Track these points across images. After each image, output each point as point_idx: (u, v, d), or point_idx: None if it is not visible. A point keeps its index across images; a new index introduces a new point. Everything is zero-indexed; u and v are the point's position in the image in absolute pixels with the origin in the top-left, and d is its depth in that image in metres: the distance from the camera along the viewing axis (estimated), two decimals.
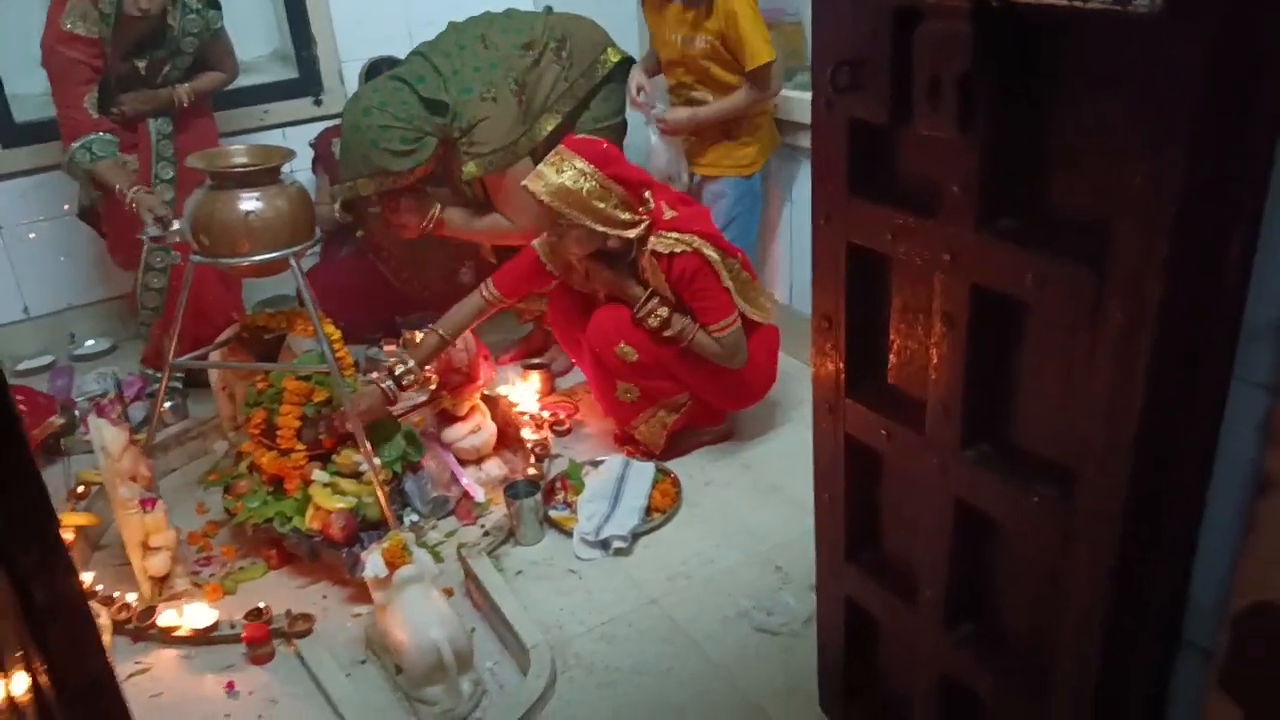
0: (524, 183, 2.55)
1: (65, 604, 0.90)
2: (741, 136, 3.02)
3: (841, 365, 1.55)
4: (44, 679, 0.87)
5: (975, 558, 1.43)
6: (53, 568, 0.89)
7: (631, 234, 2.54)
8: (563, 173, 2.47)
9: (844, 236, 1.46)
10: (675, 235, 2.53)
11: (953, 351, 1.33)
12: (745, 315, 2.62)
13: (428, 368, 2.71)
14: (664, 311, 2.58)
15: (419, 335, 2.82)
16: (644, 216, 2.56)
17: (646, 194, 2.58)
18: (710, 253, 2.53)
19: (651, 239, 2.55)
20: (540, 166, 2.54)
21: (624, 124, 3.19)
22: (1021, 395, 1.31)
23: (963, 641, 1.46)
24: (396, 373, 2.57)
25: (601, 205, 2.48)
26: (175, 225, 2.54)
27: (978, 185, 1.22)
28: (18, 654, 0.78)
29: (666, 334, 2.60)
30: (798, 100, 3.03)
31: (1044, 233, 1.18)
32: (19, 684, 0.74)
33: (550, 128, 3.00)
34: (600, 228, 2.51)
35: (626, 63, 3.12)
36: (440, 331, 2.69)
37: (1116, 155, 1.03)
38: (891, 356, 1.52)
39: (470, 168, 2.93)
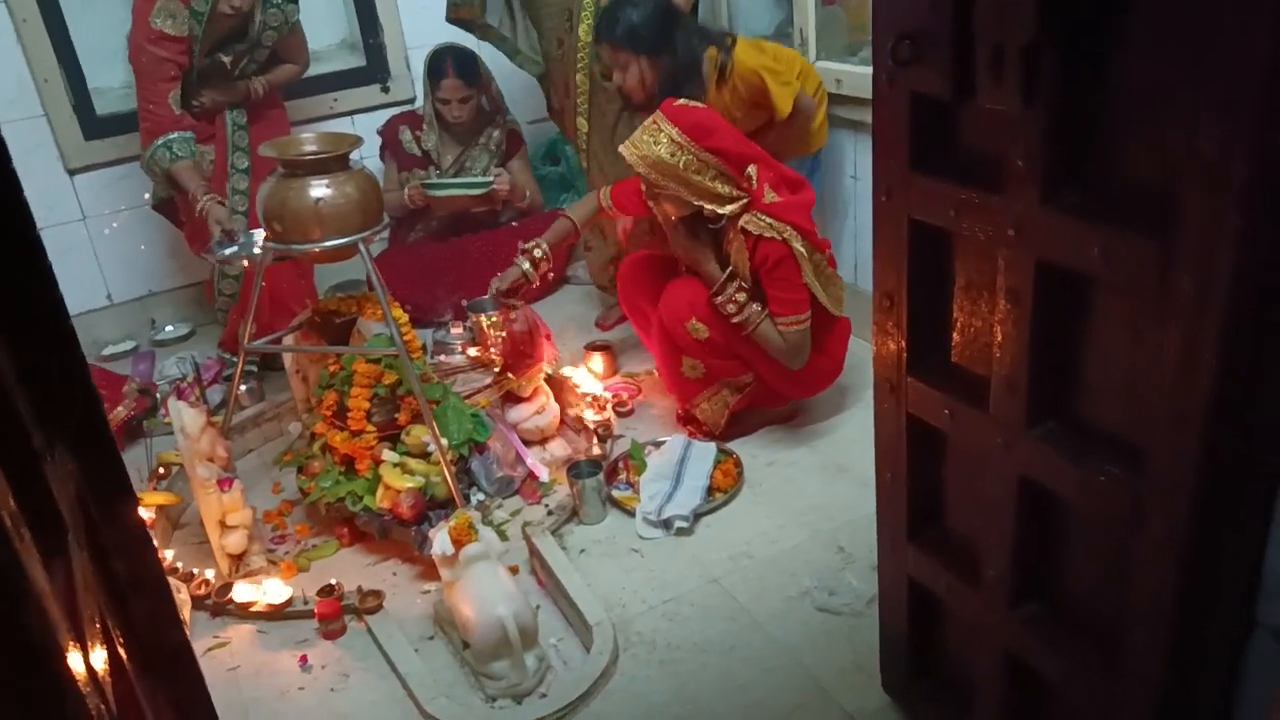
0: (620, 148, 2.57)
1: (145, 577, 0.94)
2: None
3: (903, 344, 1.53)
4: (123, 651, 0.91)
5: (1040, 536, 1.41)
6: (133, 542, 0.93)
7: (727, 210, 2.52)
8: (659, 143, 2.47)
9: (906, 213, 1.44)
10: (770, 220, 2.49)
11: (1017, 328, 1.31)
12: (822, 305, 2.59)
13: (493, 351, 2.75)
14: (741, 297, 2.56)
15: (484, 319, 2.87)
16: (744, 193, 2.53)
17: (750, 169, 2.53)
18: (799, 247, 2.49)
19: (745, 215, 2.52)
20: (636, 133, 2.54)
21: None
22: (1088, 371, 1.28)
23: (1028, 621, 1.44)
24: (535, 255, 2.86)
25: (698, 178, 2.47)
26: (241, 240, 2.62)
27: (1042, 158, 1.19)
28: (97, 626, 0.82)
29: (735, 319, 2.59)
30: (861, 75, 2.99)
31: (1110, 205, 1.15)
32: (99, 656, 0.78)
33: None
34: (695, 200, 2.51)
35: None
36: (570, 216, 2.96)
37: (1184, 121, 1.01)
38: (954, 334, 1.50)
39: None
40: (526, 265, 2.84)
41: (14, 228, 0.79)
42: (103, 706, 0.70)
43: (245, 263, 2.72)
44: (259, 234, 2.58)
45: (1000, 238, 1.29)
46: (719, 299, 2.57)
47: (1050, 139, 1.18)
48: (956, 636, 1.70)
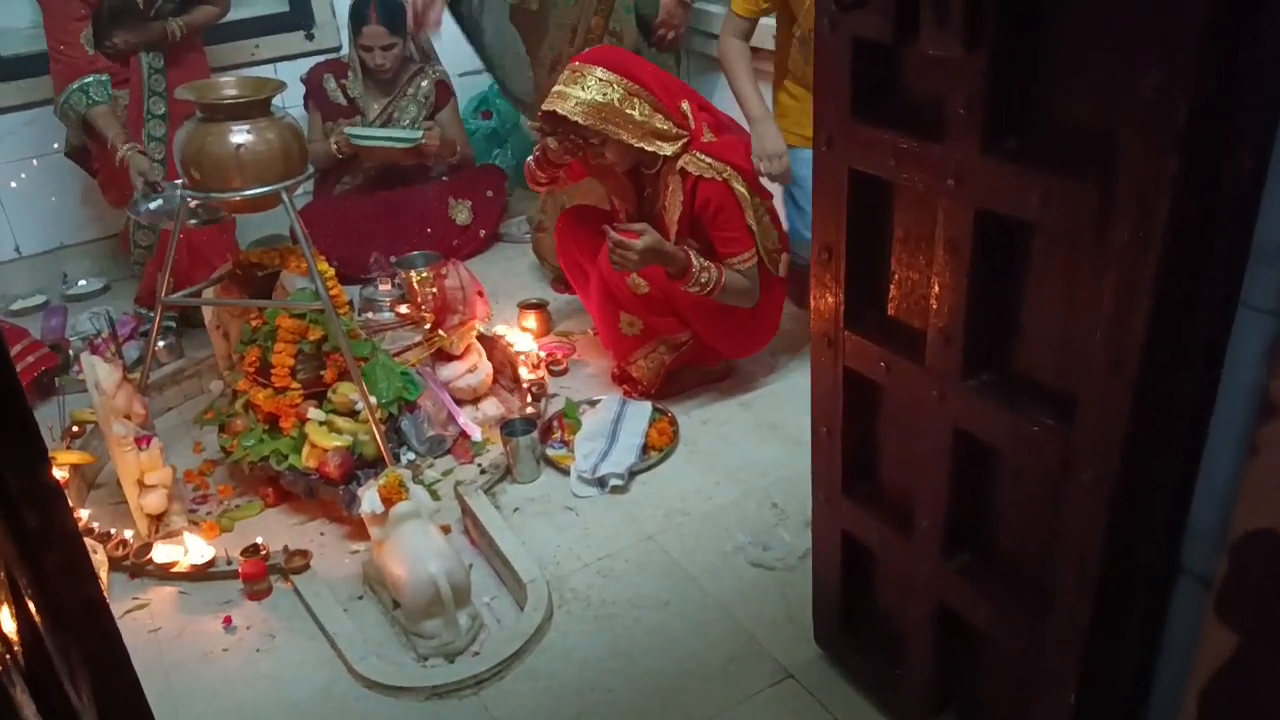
0: (544, 107, 2.46)
1: (57, 530, 0.89)
2: None
3: (841, 297, 1.53)
4: (33, 606, 0.86)
5: (974, 487, 1.42)
6: (43, 492, 0.88)
7: (668, 149, 2.45)
8: (587, 87, 2.40)
9: (846, 163, 1.43)
10: (710, 159, 2.45)
11: (955, 279, 1.31)
12: (761, 261, 2.57)
13: (423, 308, 2.69)
14: (705, 277, 2.46)
15: (414, 274, 2.80)
16: (683, 131, 2.47)
17: (684, 105, 2.49)
18: (739, 187, 2.45)
19: (685, 155, 2.47)
20: (558, 87, 2.44)
21: None
22: (1024, 322, 1.29)
23: (959, 571, 1.46)
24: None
25: (635, 114, 2.40)
26: (165, 192, 2.51)
27: (983, 104, 1.19)
28: (2, 577, 0.77)
29: (705, 293, 2.49)
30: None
31: (1050, 151, 1.15)
32: (4, 613, 0.73)
33: None
34: (638, 142, 2.42)
35: None
36: None
37: (1124, 66, 1.01)
38: (891, 288, 1.50)
39: None
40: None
41: None
42: (9, 661, 0.65)
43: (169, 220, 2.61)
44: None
45: (940, 188, 1.29)
46: (690, 286, 2.48)
47: (991, 84, 1.18)
48: (888, 588, 1.72)
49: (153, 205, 2.57)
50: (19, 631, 0.80)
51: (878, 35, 1.29)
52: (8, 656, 0.66)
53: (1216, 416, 1.12)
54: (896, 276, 1.47)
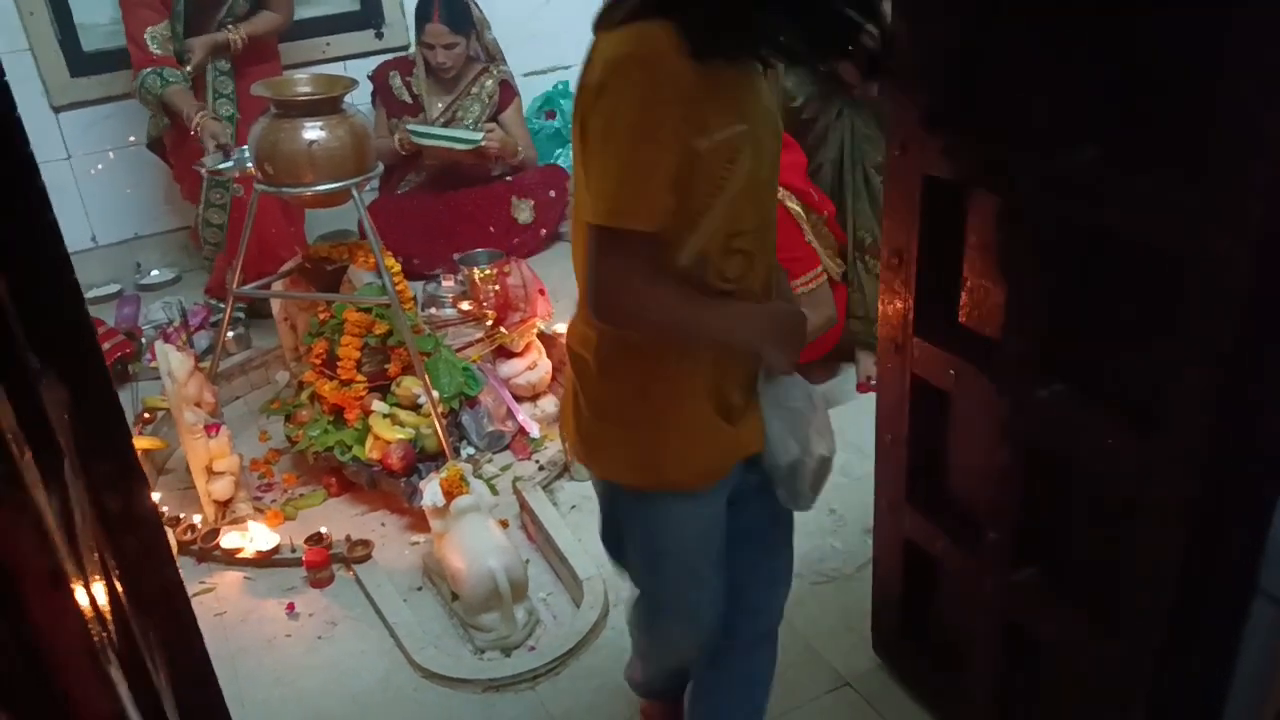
0: None
1: (139, 512, 0.92)
2: None
3: (910, 303, 1.51)
4: (119, 585, 0.89)
5: (1044, 499, 1.40)
6: (126, 475, 0.91)
7: None
8: None
9: (920, 169, 1.41)
10: None
11: (1030, 289, 1.29)
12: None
13: (485, 305, 2.71)
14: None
15: (477, 271, 2.83)
16: None
17: None
18: (794, 206, 2.45)
19: None
20: None
21: None
22: (1100, 333, 1.27)
23: (1026, 584, 1.44)
24: None
25: None
26: (235, 155, 2.56)
27: (1066, 113, 1.17)
28: (96, 557, 0.79)
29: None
30: None
31: (1134, 160, 1.13)
32: (99, 588, 0.75)
33: None
34: None
35: None
36: None
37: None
38: (963, 294, 1.48)
39: None
40: None
41: (9, 142, 0.76)
42: (106, 638, 0.67)
43: (236, 178, 2.66)
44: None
45: (1018, 195, 1.27)
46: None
47: (1076, 92, 1.16)
48: (951, 599, 1.70)
49: (222, 165, 2.64)
50: (111, 611, 0.82)
51: (957, 42, 1.27)
52: (104, 634, 0.68)
53: None
54: (969, 284, 1.45)
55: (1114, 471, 1.25)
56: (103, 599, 0.75)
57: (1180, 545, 1.16)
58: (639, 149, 1.05)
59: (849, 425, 2.64)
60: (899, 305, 1.53)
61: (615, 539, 1.45)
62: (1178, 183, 1.06)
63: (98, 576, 0.77)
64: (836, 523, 2.30)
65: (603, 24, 1.11)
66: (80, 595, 0.61)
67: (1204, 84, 1.03)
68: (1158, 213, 1.09)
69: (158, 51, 3.03)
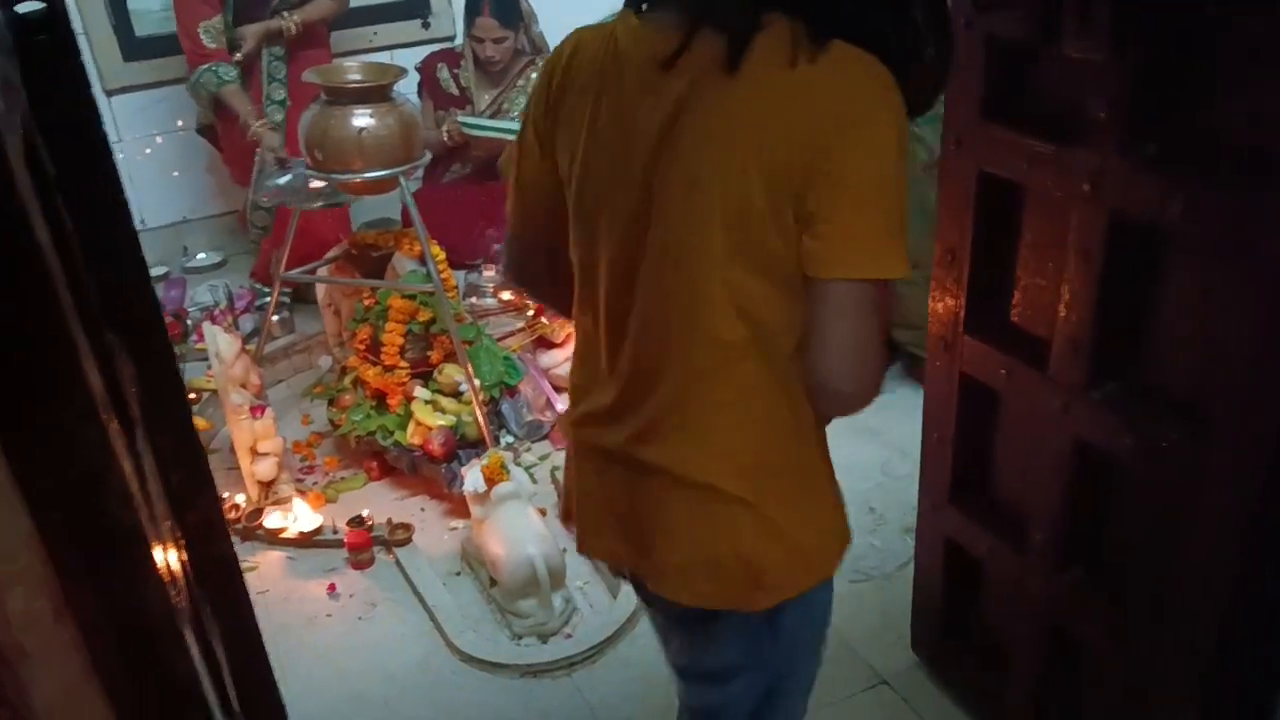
0: None
1: (200, 486, 0.93)
2: None
3: (962, 300, 1.51)
4: (185, 555, 0.91)
5: (1093, 501, 1.39)
6: (188, 449, 0.92)
7: None
8: None
9: (975, 165, 1.40)
10: None
11: (1085, 287, 1.28)
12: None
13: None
14: None
15: None
16: None
17: None
18: None
19: None
20: None
21: None
22: (1155, 334, 1.25)
23: (1072, 585, 1.42)
24: None
25: None
26: (294, 170, 2.59)
27: (1127, 108, 1.16)
28: (168, 525, 0.81)
29: None
30: None
31: (1195, 158, 1.12)
32: (172, 555, 0.77)
33: None
34: None
35: None
36: None
37: None
38: (1016, 293, 1.47)
39: None
40: None
41: (87, 122, 0.77)
42: (179, 602, 0.69)
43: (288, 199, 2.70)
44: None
45: (1075, 193, 1.26)
46: None
47: (1136, 88, 1.15)
48: (994, 599, 1.69)
49: (281, 181, 2.66)
50: (182, 579, 0.84)
51: (1015, 35, 1.26)
52: (178, 598, 0.70)
53: None
54: (1022, 282, 1.44)
55: (1167, 473, 1.24)
56: (175, 565, 0.76)
57: (1233, 549, 1.15)
58: (903, 195, 0.92)
59: (888, 424, 2.63)
60: (950, 303, 1.52)
61: (730, 666, 1.20)
62: (1239, 182, 1.04)
63: (170, 544, 0.79)
64: (876, 521, 2.29)
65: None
66: (159, 557, 0.63)
67: (1269, 81, 1.02)
68: (1217, 211, 1.08)
69: (212, 45, 3.07)
